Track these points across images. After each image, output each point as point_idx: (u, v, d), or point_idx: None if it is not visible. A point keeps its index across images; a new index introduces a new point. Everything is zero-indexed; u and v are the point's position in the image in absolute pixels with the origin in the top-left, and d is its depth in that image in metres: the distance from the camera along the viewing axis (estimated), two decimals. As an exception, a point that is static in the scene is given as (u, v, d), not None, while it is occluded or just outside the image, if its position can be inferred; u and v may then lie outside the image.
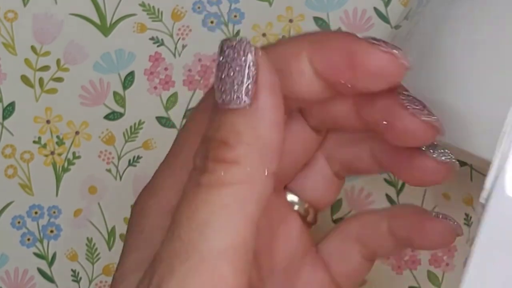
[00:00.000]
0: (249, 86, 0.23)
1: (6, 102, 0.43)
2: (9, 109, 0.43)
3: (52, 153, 0.44)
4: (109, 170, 0.43)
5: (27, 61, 0.42)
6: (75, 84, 0.43)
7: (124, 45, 0.43)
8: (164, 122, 0.43)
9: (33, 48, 0.42)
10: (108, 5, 0.43)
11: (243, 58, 0.23)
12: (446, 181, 0.26)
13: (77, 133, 0.44)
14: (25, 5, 0.42)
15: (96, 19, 0.43)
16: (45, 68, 0.43)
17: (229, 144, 0.22)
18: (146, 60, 0.43)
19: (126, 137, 0.44)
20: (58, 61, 0.43)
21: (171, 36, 0.43)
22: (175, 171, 0.26)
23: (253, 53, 0.23)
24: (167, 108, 0.43)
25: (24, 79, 0.43)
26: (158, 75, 0.43)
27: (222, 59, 0.23)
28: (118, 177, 0.43)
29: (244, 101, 0.23)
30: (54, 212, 0.43)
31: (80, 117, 0.43)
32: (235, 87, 0.23)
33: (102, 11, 0.43)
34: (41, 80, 0.43)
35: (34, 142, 0.43)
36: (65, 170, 0.44)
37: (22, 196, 0.44)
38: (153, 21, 0.43)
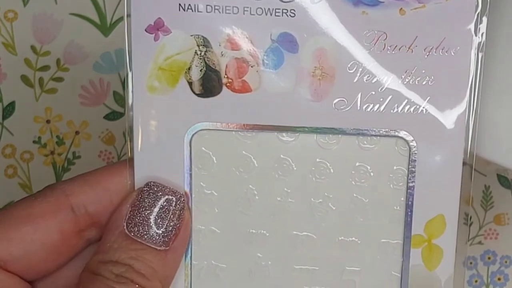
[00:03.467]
0: (170, 230, 0.26)
1: (6, 102, 0.43)
2: (9, 109, 0.43)
3: (52, 153, 0.44)
4: (109, 170, 0.43)
5: (27, 61, 0.42)
6: (75, 84, 0.43)
7: (124, 45, 0.43)
8: (164, 122, 0.43)
9: (33, 48, 0.42)
10: (108, 5, 0.43)
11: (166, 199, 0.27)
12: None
13: (77, 133, 0.44)
14: (25, 5, 0.42)
15: (96, 19, 0.43)
16: (45, 68, 0.43)
17: (146, 277, 0.25)
18: (146, 60, 0.43)
19: (126, 137, 0.44)
20: (58, 61, 0.43)
21: (171, 36, 0.43)
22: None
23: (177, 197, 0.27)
24: (167, 108, 0.43)
25: (24, 79, 0.43)
26: (158, 75, 0.43)
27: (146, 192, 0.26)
28: (118, 177, 0.43)
29: (161, 244, 0.26)
30: (54, 212, 0.43)
31: (80, 117, 0.43)
32: (153, 226, 0.26)
33: (102, 11, 0.43)
34: (41, 80, 0.43)
35: (34, 142, 0.43)
36: (65, 170, 0.44)
37: (22, 196, 0.43)
38: (153, 21, 0.43)
